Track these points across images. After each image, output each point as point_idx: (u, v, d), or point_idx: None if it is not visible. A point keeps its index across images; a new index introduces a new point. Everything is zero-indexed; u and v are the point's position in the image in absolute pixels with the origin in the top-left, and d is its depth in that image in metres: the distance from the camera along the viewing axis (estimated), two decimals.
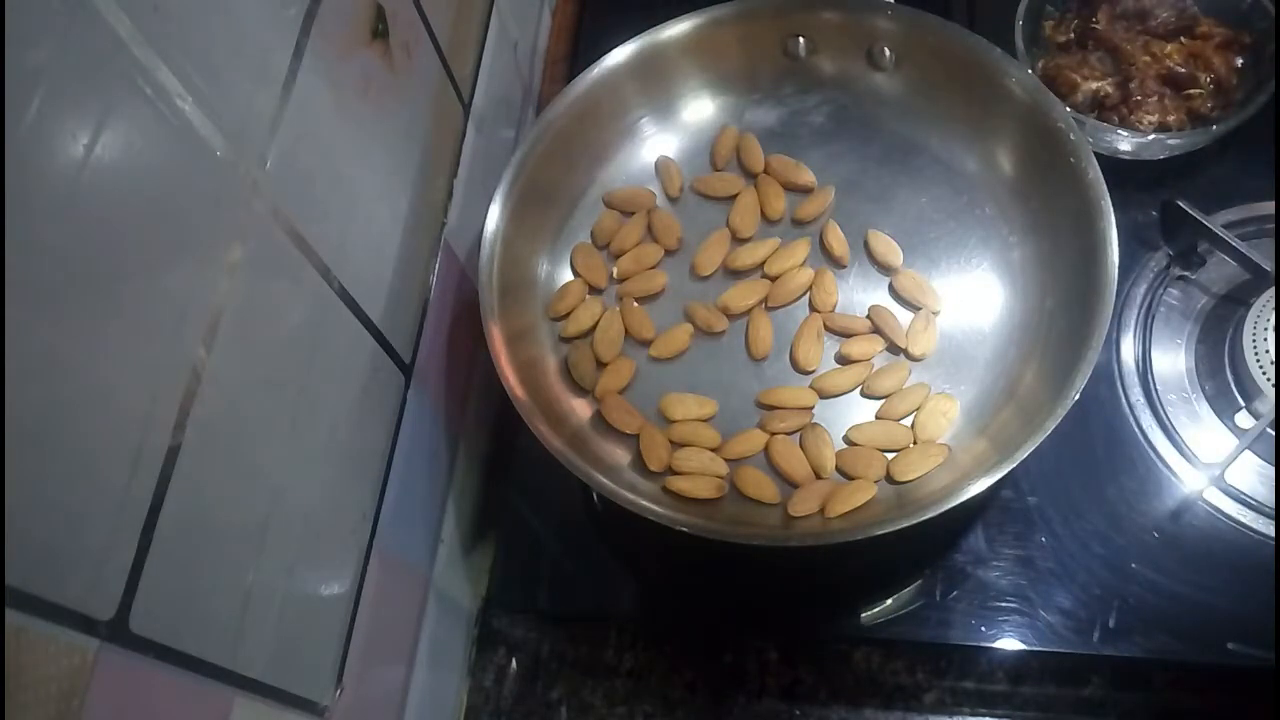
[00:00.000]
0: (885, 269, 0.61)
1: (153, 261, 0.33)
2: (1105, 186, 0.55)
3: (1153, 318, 0.63)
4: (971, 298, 0.59)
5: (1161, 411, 0.60)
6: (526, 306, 0.61)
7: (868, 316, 0.59)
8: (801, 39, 0.64)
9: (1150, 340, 0.62)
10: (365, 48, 0.49)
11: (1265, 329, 0.59)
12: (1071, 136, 0.56)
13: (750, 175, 0.65)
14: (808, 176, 0.64)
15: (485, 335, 0.56)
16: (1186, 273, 0.64)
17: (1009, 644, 0.56)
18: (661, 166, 0.65)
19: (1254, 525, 0.57)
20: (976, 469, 0.50)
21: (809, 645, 0.61)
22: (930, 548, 0.58)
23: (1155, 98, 0.65)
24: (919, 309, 0.59)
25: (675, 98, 0.66)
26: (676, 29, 0.63)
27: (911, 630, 0.57)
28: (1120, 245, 0.53)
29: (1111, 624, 0.55)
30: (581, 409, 0.59)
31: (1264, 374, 0.58)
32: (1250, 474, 0.58)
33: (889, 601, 0.58)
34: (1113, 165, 0.56)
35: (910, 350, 0.58)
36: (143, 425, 0.33)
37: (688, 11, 0.63)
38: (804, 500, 0.53)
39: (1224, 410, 0.60)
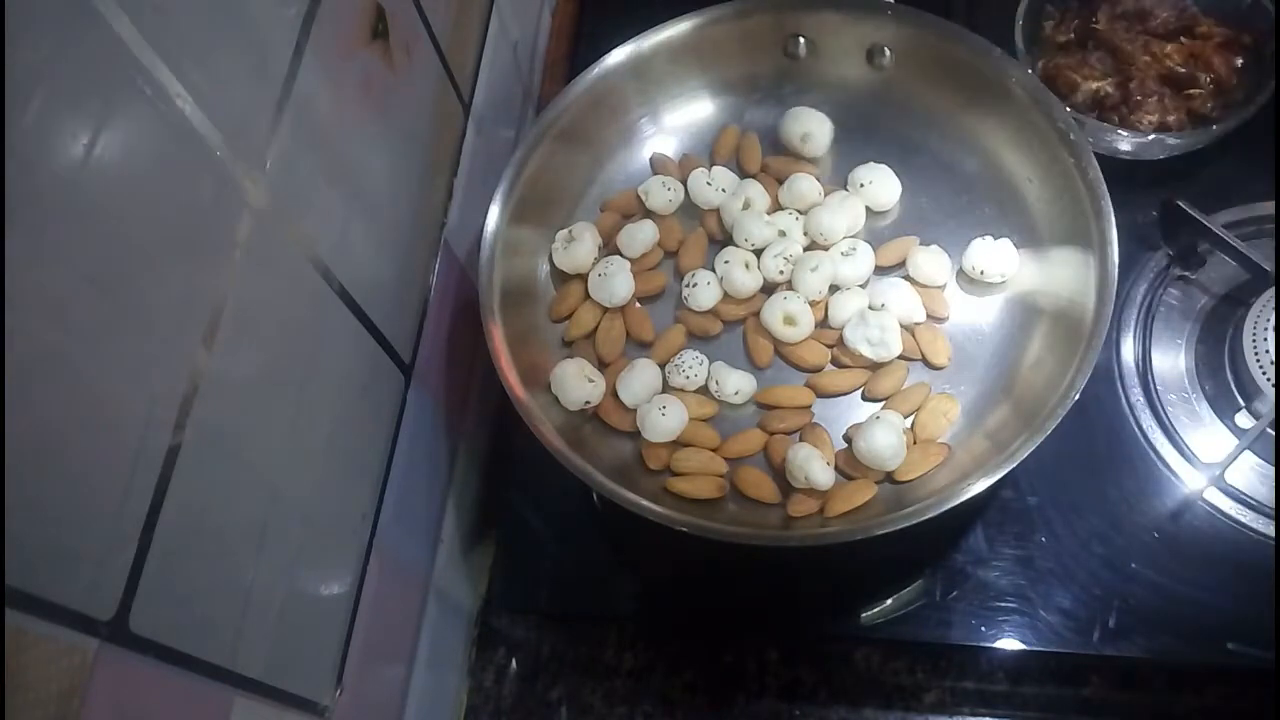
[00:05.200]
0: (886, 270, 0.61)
1: (153, 262, 0.33)
2: (1105, 186, 0.55)
3: (1153, 318, 0.63)
4: (972, 298, 0.59)
5: (1161, 411, 0.60)
6: (527, 307, 0.61)
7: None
8: (801, 39, 0.64)
9: (1150, 340, 0.62)
10: (365, 48, 0.49)
11: (1265, 329, 0.59)
12: (1071, 136, 0.56)
13: (749, 175, 0.65)
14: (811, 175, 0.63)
15: (485, 336, 0.56)
16: (1186, 273, 0.64)
17: (1009, 644, 0.56)
18: (660, 166, 0.65)
19: (1254, 525, 0.57)
20: (976, 469, 0.50)
21: (809, 645, 0.61)
22: (930, 548, 0.58)
23: (1155, 98, 0.65)
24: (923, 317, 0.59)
25: (675, 98, 0.66)
26: (676, 29, 0.63)
27: (911, 630, 0.57)
28: (1120, 245, 0.53)
29: (1111, 624, 0.55)
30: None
31: (1264, 374, 0.58)
32: (1250, 474, 0.58)
33: (889, 601, 0.58)
34: (1113, 165, 0.56)
35: (933, 361, 0.58)
36: (143, 425, 0.33)
37: (688, 11, 0.63)
38: (804, 500, 0.54)
39: (1224, 410, 0.60)
